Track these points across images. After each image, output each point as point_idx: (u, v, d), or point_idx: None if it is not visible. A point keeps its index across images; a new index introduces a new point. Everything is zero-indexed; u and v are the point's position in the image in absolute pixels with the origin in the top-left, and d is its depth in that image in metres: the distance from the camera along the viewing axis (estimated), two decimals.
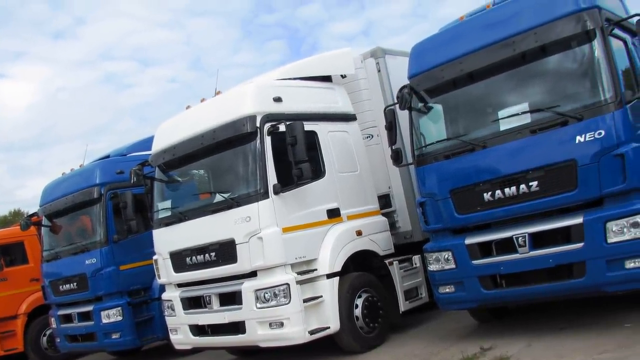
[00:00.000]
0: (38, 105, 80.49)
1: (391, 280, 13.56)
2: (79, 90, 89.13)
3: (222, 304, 12.68)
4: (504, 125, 10.68)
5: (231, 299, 12.45)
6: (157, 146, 14.12)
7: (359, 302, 12.73)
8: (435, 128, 11.96)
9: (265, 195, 11.84)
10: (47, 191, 18.52)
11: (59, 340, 18.49)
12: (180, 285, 13.76)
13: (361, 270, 13.22)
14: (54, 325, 18.52)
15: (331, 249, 12.46)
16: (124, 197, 15.50)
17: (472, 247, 11.06)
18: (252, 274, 12.11)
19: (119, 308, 16.26)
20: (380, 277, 13.52)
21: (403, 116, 12.34)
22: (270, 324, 11.84)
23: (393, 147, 12.36)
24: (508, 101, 10.89)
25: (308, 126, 12.17)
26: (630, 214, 9.45)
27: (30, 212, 20.18)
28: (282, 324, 11.70)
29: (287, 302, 11.63)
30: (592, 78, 10.02)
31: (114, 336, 16.42)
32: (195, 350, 14.62)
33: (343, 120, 13.76)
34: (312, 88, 13.55)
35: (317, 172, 12.71)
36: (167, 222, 13.69)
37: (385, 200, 14.36)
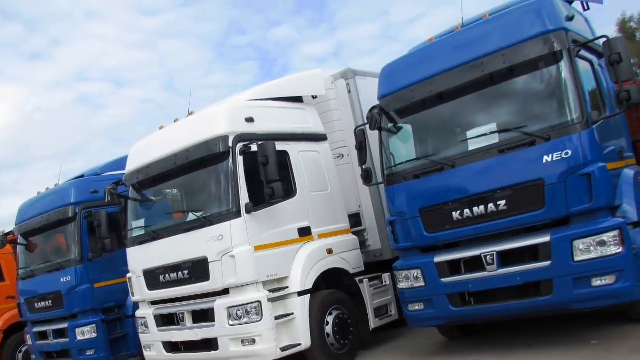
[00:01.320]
0: (14, 125, 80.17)
1: (361, 297, 13.37)
2: (54, 111, 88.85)
3: (195, 321, 12.49)
4: (472, 145, 10.54)
5: (204, 316, 12.27)
6: (131, 166, 13.93)
7: (330, 319, 12.52)
8: (405, 148, 11.78)
9: (237, 214, 11.66)
10: (22, 210, 18.29)
11: (34, 357, 18.17)
12: (153, 303, 13.55)
13: (332, 288, 13.03)
14: (29, 342, 18.21)
15: (302, 267, 12.29)
16: (98, 216, 15.37)
17: (441, 265, 10.84)
18: (225, 292, 11.93)
19: (94, 325, 16.05)
20: (351, 294, 13.32)
21: (373, 136, 12.14)
22: (242, 341, 11.67)
23: (363, 167, 12.20)
24: (477, 121, 10.75)
25: (280, 146, 11.99)
26: (597, 233, 9.33)
27: (6, 231, 19.82)
28: (254, 341, 11.53)
29: (259, 319, 11.46)
30: (559, 99, 9.90)
31: (88, 353, 16.15)
32: None
33: (314, 140, 13.60)
34: (283, 109, 13.38)
35: (289, 191, 12.53)
36: (141, 241, 13.49)
37: (355, 219, 14.18)
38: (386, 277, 13.95)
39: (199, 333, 12.27)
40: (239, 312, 11.60)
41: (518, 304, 10.15)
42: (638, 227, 9.68)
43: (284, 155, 12.58)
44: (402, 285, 11.52)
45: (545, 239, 9.71)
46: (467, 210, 10.47)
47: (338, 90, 14.43)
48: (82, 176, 17.82)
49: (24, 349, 19.57)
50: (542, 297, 9.82)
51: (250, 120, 12.32)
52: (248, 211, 11.67)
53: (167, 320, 13.11)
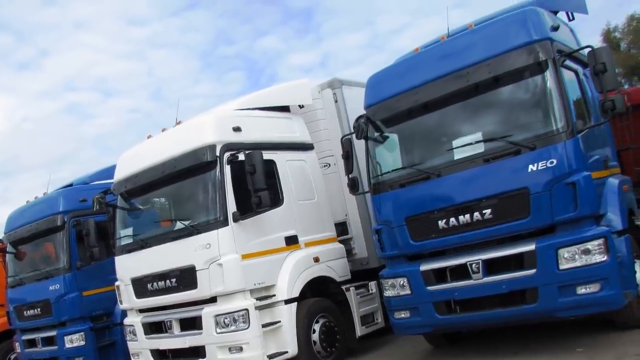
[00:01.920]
0: (2, 135, 79.59)
1: (348, 305, 13.26)
2: (42, 121, 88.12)
3: (182, 329, 12.37)
4: (458, 154, 10.45)
5: (192, 324, 12.15)
6: (119, 175, 13.81)
7: (317, 327, 12.43)
8: (391, 157, 11.69)
9: (224, 222, 11.55)
10: (11, 219, 18.19)
11: None
12: (141, 311, 13.40)
13: (318, 296, 12.92)
14: (18, 350, 18.02)
15: (289, 275, 12.19)
16: (86, 225, 15.28)
17: (427, 274, 10.72)
18: (212, 300, 11.82)
19: (82, 333, 15.97)
20: (337, 302, 13.22)
21: (359, 145, 12.04)
22: (229, 349, 11.57)
23: (350, 176, 12.09)
24: (462, 131, 10.66)
25: (267, 155, 11.95)
26: (582, 241, 9.25)
27: None
28: (241, 349, 11.44)
29: (246, 327, 11.36)
30: (544, 108, 9.82)
31: None
32: None
33: (301, 150, 13.51)
34: (270, 118, 13.30)
35: (276, 200, 12.44)
36: (129, 249, 13.37)
37: (342, 228, 14.09)
38: (372, 285, 13.84)
39: (187, 341, 12.15)
40: (226, 320, 11.50)
41: (503, 312, 10.03)
42: (622, 235, 9.58)
43: (270, 164, 12.53)
44: (388, 293, 11.39)
45: (531, 247, 9.61)
46: (452, 219, 10.35)
47: (325, 99, 14.34)
48: (71, 185, 17.79)
49: (12, 357, 19.36)
50: (528, 304, 9.71)
51: (237, 129, 12.24)
52: (235, 220, 11.57)
53: (155, 328, 12.97)
